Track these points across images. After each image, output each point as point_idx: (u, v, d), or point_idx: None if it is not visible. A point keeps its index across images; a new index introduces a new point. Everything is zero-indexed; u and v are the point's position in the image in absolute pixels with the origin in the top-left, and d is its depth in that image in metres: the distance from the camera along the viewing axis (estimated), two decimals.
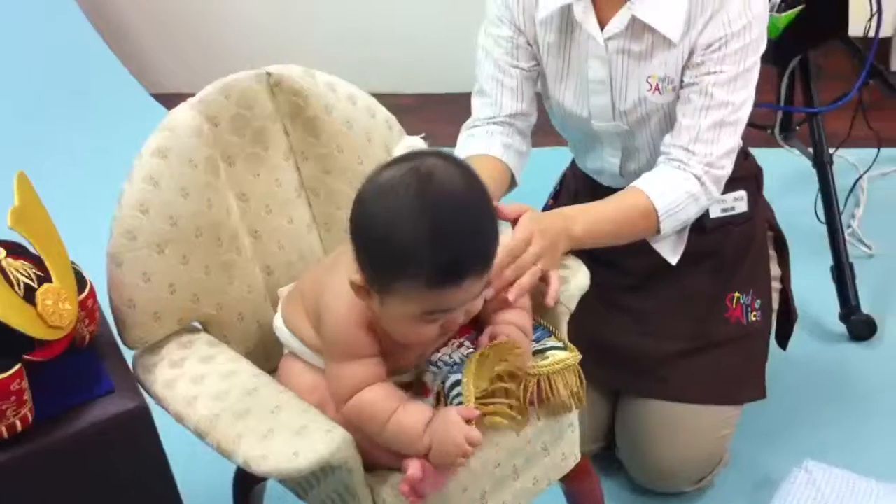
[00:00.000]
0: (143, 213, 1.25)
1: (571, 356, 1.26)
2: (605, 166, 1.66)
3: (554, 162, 1.90)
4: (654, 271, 1.68)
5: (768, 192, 1.78)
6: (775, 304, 1.78)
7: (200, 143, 1.30)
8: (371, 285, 1.11)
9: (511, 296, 1.23)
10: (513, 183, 1.59)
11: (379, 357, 1.19)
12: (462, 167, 1.11)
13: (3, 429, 1.08)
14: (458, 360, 1.20)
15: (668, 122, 1.53)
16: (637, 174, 1.53)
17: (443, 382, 1.19)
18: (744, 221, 1.70)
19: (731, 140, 1.49)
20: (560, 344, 1.29)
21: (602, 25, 1.48)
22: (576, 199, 1.76)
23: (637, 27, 1.46)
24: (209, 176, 1.31)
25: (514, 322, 1.24)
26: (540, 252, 1.30)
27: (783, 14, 1.92)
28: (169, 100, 3.24)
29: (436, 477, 1.14)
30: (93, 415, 1.13)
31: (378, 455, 1.19)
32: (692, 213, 1.51)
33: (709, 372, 1.67)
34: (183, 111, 1.30)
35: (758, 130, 2.29)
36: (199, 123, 1.30)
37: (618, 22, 1.46)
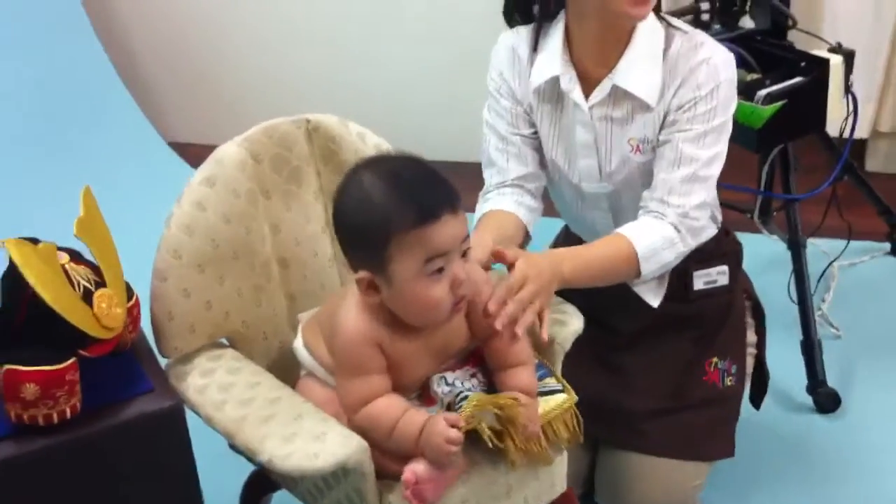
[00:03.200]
0: (189, 234, 1.38)
1: (569, 398, 1.42)
2: (597, 229, 1.79)
3: (549, 231, 2.01)
4: (642, 333, 1.82)
5: (746, 271, 1.92)
6: (750, 369, 1.92)
7: (244, 176, 1.45)
8: (372, 270, 1.26)
9: (519, 329, 1.35)
10: (527, 236, 1.71)
11: (385, 374, 1.32)
12: (412, 155, 1.30)
13: (55, 414, 1.20)
14: (471, 386, 1.35)
15: (650, 181, 1.65)
16: None
17: (456, 396, 1.32)
18: (724, 293, 1.84)
19: (703, 194, 1.60)
20: (559, 386, 1.43)
21: (587, 94, 1.64)
22: None
23: (618, 95, 1.62)
24: (249, 206, 1.45)
25: (520, 386, 1.36)
26: (535, 292, 1.39)
27: (768, 106, 2.08)
28: (180, 148, 3.39)
29: (436, 483, 1.26)
30: (135, 409, 1.26)
31: (386, 464, 1.31)
32: (670, 257, 1.61)
33: (684, 430, 1.79)
34: (230, 147, 1.46)
35: (739, 214, 2.46)
36: (244, 158, 1.45)
37: (600, 91, 1.62)
